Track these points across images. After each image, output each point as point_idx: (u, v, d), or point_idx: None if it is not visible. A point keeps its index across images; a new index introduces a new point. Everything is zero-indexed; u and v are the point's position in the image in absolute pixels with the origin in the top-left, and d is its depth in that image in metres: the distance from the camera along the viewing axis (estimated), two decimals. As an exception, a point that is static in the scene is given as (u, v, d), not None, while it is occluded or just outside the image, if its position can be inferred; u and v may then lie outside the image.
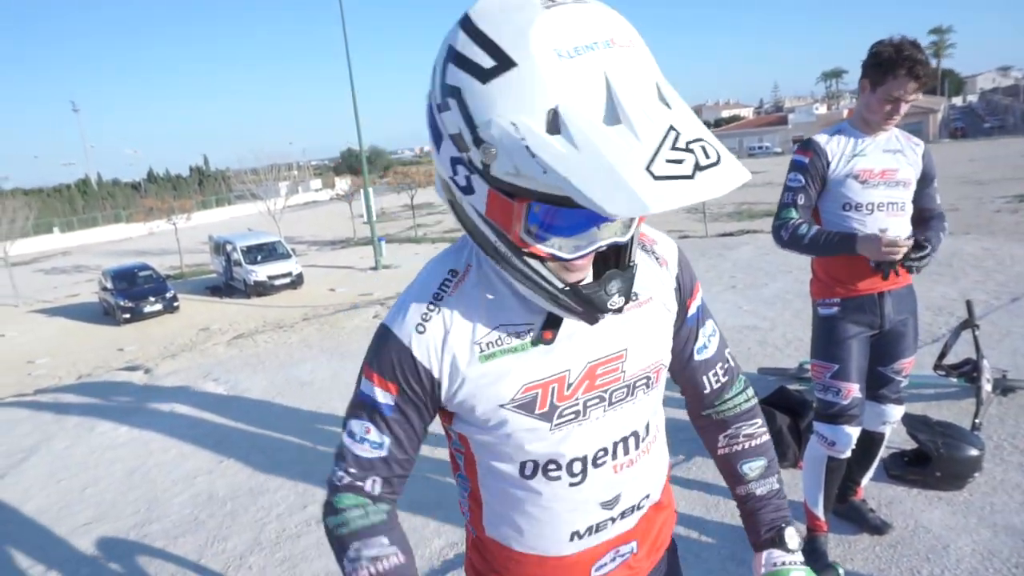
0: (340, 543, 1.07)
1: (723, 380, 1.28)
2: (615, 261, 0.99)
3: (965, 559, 2.73)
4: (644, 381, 1.11)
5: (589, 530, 1.13)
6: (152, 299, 21.26)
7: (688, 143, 0.75)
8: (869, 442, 2.87)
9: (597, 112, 0.76)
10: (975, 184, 29.16)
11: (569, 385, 1.04)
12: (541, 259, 0.91)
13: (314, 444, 4.85)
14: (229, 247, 24.57)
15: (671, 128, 0.75)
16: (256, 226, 34.63)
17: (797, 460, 3.53)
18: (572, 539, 1.13)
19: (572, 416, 1.06)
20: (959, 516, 3.00)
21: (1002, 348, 4.77)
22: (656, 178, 0.72)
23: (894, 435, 3.43)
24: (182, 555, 3.64)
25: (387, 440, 1.06)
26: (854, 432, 2.69)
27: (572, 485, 1.09)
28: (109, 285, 22.07)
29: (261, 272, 22.93)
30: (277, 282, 22.93)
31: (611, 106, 0.76)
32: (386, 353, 1.03)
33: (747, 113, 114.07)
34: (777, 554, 1.18)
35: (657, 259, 1.14)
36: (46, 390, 8.48)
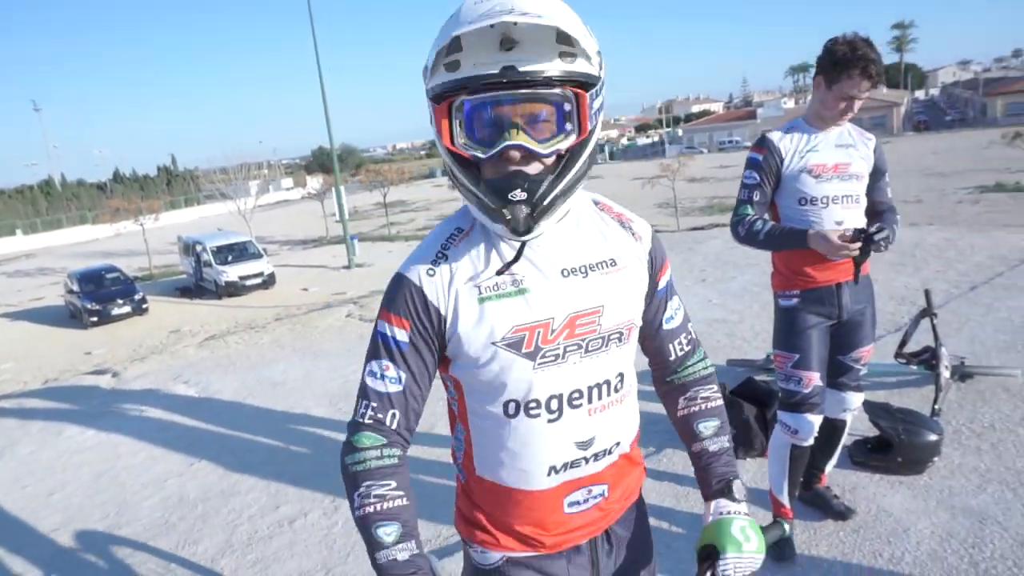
0: (353, 479, 1.21)
1: (687, 349, 1.45)
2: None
3: (925, 541, 2.81)
4: (617, 336, 1.26)
5: (565, 466, 1.26)
6: (120, 301, 20.88)
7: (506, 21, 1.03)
8: (831, 429, 2.94)
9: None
10: (938, 176, 29.77)
11: (552, 331, 1.20)
12: (477, 174, 1.15)
13: (286, 444, 4.83)
14: (199, 247, 24.23)
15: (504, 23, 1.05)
16: (226, 226, 34.21)
17: (764, 449, 3.60)
18: (549, 473, 1.26)
19: (553, 358, 1.21)
20: (919, 500, 3.09)
21: (961, 336, 4.90)
22: (471, 23, 1.04)
23: (857, 423, 3.51)
24: (153, 559, 3.61)
25: (404, 375, 1.22)
26: (816, 420, 2.76)
27: (550, 422, 1.23)
28: (75, 287, 21.64)
29: (232, 272, 22.67)
30: (248, 282, 22.68)
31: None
32: (400, 295, 1.22)
33: (717, 108, 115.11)
34: (724, 503, 1.32)
35: (633, 234, 1.32)
36: (10, 395, 8.32)
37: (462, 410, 1.30)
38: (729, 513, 1.29)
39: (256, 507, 3.98)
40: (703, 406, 1.43)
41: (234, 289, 22.50)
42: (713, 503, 1.33)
